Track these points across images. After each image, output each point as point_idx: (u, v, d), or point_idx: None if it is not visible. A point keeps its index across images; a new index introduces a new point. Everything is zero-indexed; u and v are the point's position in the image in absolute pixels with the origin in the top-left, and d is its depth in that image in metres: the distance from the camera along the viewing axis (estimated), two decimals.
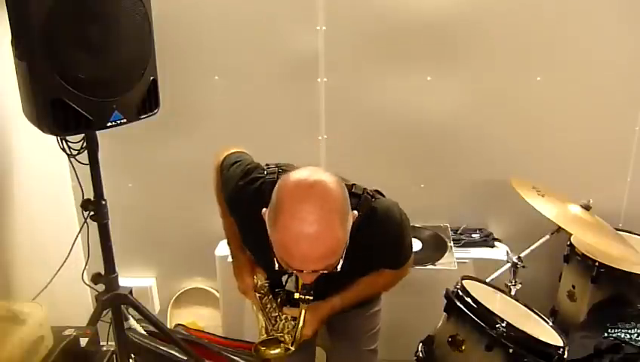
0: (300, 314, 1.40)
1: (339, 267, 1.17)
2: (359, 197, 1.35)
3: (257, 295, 1.56)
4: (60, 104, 1.54)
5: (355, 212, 1.21)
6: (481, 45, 2.28)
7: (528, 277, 2.14)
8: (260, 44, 2.31)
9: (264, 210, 1.18)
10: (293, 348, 1.46)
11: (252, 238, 1.51)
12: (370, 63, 2.33)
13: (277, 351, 1.47)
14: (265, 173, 1.40)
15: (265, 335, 1.53)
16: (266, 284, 1.57)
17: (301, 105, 2.39)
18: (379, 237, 1.38)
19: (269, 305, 1.56)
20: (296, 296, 1.31)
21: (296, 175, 1.15)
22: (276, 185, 1.16)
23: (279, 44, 2.30)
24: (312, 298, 1.30)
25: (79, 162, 1.84)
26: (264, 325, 1.57)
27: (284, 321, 1.53)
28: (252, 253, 1.63)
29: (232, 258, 1.68)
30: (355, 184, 1.39)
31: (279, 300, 1.54)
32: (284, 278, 1.54)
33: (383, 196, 1.49)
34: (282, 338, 1.49)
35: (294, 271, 1.20)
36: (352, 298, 1.54)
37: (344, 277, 1.38)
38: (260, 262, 1.62)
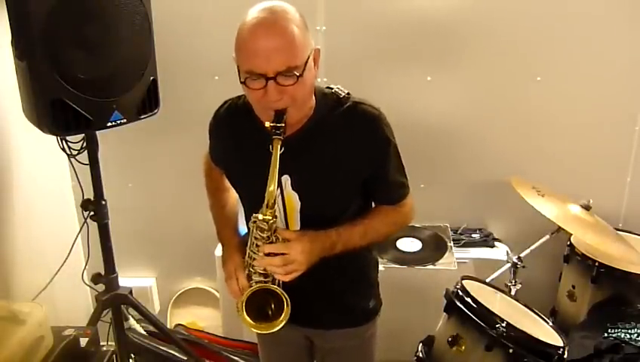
0: (275, 151, 1.21)
1: (302, 76, 1.19)
2: (331, 90, 1.38)
3: (246, 266, 1.38)
4: (60, 104, 1.54)
5: (319, 48, 1.28)
6: (481, 45, 2.28)
7: (528, 277, 2.14)
8: None
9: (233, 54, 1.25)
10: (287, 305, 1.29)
11: (237, 154, 1.43)
12: (370, 63, 2.33)
13: (283, 319, 1.30)
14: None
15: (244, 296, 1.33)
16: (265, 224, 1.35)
17: None
18: (354, 125, 1.32)
19: (256, 272, 1.36)
20: (267, 125, 1.21)
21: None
22: None
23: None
24: (283, 125, 1.20)
25: (79, 162, 1.84)
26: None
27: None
28: (240, 177, 1.48)
29: (222, 244, 1.54)
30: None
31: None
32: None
33: None
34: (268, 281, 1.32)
35: (261, 103, 1.22)
36: (347, 230, 1.36)
37: (330, 199, 1.36)
38: (248, 185, 1.45)
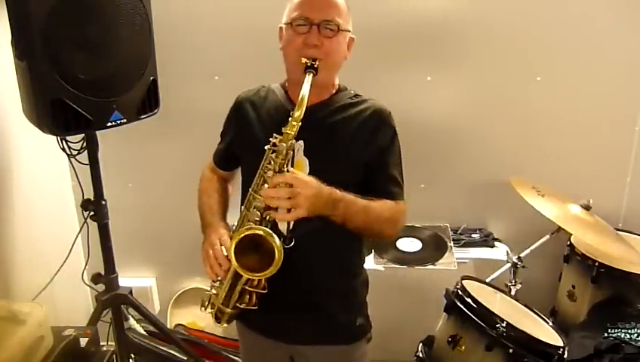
0: (306, 83, 1.32)
1: (342, 33, 1.40)
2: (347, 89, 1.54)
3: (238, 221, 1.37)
4: (60, 104, 1.54)
5: (355, 37, 1.48)
6: (481, 45, 2.28)
7: (528, 277, 2.14)
8: (259, 45, 2.30)
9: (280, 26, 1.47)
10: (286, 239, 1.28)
11: (261, 135, 1.42)
12: (370, 63, 2.32)
13: (278, 262, 1.22)
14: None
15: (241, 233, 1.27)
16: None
17: None
18: (369, 115, 1.46)
19: (252, 214, 1.33)
20: (303, 60, 1.35)
21: None
22: None
23: (279, 44, 2.29)
24: (316, 64, 1.35)
25: (79, 162, 1.84)
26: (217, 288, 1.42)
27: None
28: (254, 157, 1.39)
29: (207, 225, 1.54)
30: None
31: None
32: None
33: None
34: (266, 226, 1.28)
35: (297, 44, 1.38)
36: (352, 199, 1.34)
37: (336, 175, 1.36)
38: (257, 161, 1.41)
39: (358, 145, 1.43)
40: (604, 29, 2.21)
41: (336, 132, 1.44)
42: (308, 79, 1.34)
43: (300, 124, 1.28)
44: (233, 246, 1.28)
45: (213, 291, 1.47)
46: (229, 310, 1.42)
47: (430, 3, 2.25)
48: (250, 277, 1.32)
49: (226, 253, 1.38)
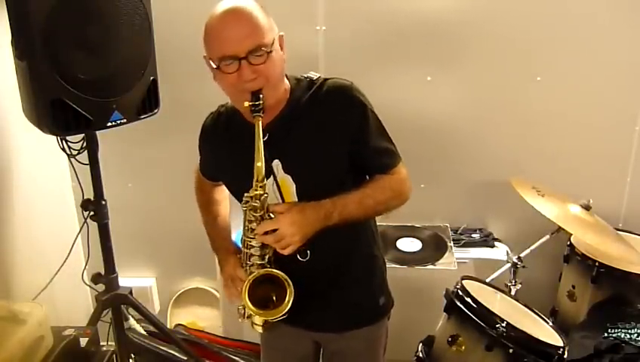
0: (257, 129, 1.25)
1: (272, 52, 1.28)
2: (301, 74, 1.44)
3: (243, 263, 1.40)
4: (60, 104, 1.54)
5: (283, 33, 1.35)
6: (481, 45, 2.28)
7: (528, 277, 2.14)
8: None
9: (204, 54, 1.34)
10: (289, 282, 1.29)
11: (229, 157, 1.46)
12: (370, 63, 2.33)
13: (289, 304, 1.28)
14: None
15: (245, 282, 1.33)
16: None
17: None
18: (331, 100, 1.37)
19: (254, 263, 1.38)
20: (246, 104, 1.26)
21: None
22: None
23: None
24: (261, 103, 1.26)
25: (79, 162, 1.84)
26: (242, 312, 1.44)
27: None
28: (233, 177, 1.48)
29: (217, 253, 1.58)
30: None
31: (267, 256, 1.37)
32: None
33: None
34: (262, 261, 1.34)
35: (235, 83, 1.28)
36: (342, 200, 1.35)
37: (323, 177, 1.38)
38: (242, 184, 1.41)
39: (331, 140, 1.36)
40: (604, 29, 2.21)
41: (306, 137, 1.36)
42: (258, 125, 1.26)
43: (263, 169, 1.27)
44: (246, 292, 1.33)
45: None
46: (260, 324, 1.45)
47: (430, 3, 2.25)
48: (267, 318, 1.36)
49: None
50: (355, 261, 1.51)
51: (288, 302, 1.30)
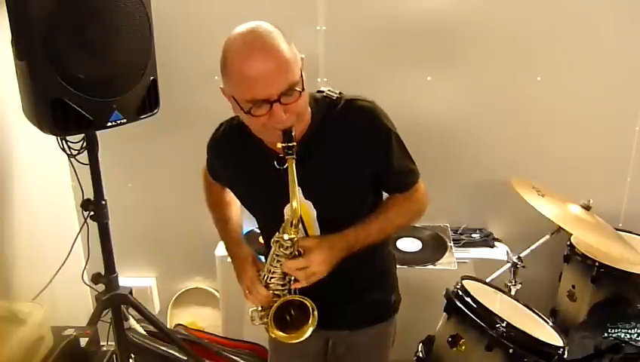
0: (291, 170, 1.22)
1: (304, 90, 1.20)
2: (321, 93, 1.37)
3: (263, 278, 1.40)
4: (60, 104, 1.54)
5: (304, 56, 1.25)
6: (481, 45, 2.28)
7: (528, 277, 2.14)
8: None
9: (221, 85, 1.23)
10: (311, 308, 1.31)
11: (241, 176, 1.44)
12: (370, 63, 2.33)
13: (309, 331, 1.32)
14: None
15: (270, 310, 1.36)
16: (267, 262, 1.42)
17: None
18: (353, 123, 1.32)
19: (274, 284, 1.39)
20: (279, 146, 1.21)
21: (232, 32, 1.22)
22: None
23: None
24: (294, 144, 1.21)
25: (79, 162, 1.84)
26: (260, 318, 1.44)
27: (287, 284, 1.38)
28: (247, 196, 1.50)
29: (232, 257, 1.56)
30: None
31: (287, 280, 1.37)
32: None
33: None
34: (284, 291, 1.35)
35: (267, 126, 1.21)
36: (364, 228, 1.37)
37: (343, 201, 1.38)
38: (257, 202, 1.49)
39: (354, 166, 1.34)
40: (605, 28, 2.21)
41: (327, 163, 1.33)
42: (292, 167, 1.20)
43: (299, 212, 1.24)
44: (272, 320, 1.35)
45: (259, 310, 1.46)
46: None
47: (430, 3, 2.25)
48: (288, 341, 1.37)
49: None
50: (375, 261, 1.54)
51: (309, 326, 1.32)
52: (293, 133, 1.21)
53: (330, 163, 1.33)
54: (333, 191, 1.35)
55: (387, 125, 1.35)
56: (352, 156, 1.33)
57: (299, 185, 1.26)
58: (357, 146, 1.32)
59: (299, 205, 1.24)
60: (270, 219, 1.39)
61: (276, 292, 1.37)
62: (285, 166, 1.23)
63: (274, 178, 1.28)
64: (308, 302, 1.32)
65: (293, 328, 1.36)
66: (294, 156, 1.21)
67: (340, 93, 1.37)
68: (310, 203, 1.36)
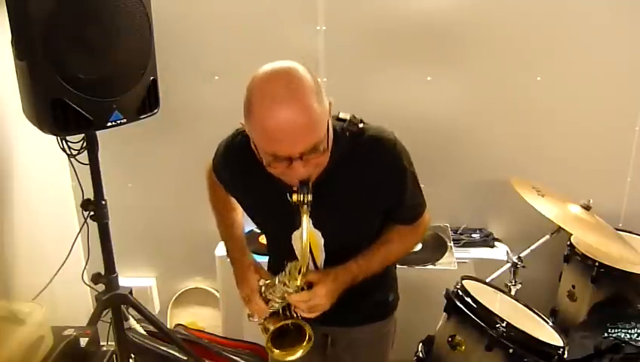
0: (303, 221, 1.20)
1: (327, 151, 1.16)
2: (344, 121, 1.31)
3: (262, 288, 1.44)
4: (60, 104, 1.54)
5: (332, 99, 1.19)
6: (481, 45, 2.28)
7: (528, 277, 2.14)
8: (260, 44, 2.31)
9: (242, 121, 1.17)
10: (308, 333, 1.35)
11: (249, 195, 1.43)
12: (370, 63, 2.33)
13: (299, 352, 1.35)
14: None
15: (271, 327, 1.41)
16: (269, 282, 1.45)
17: None
18: (372, 160, 1.30)
19: (273, 299, 1.43)
20: (294, 198, 1.18)
21: (261, 70, 1.14)
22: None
23: (279, 44, 2.30)
24: (310, 198, 1.18)
25: (79, 162, 1.84)
26: (266, 326, 1.47)
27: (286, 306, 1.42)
28: (256, 215, 1.50)
29: (234, 263, 1.56)
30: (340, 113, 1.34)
31: (285, 307, 1.42)
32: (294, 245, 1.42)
33: None
34: (287, 317, 1.39)
35: (285, 175, 1.18)
36: (366, 260, 1.39)
37: (352, 228, 1.39)
38: (265, 223, 1.51)
39: (366, 201, 1.33)
40: (605, 28, 2.21)
41: (342, 196, 1.31)
42: (305, 219, 1.18)
43: (309, 266, 1.27)
44: (269, 339, 1.38)
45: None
46: None
47: (430, 3, 2.24)
48: (280, 358, 1.39)
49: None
50: None
51: (301, 349, 1.35)
52: (310, 184, 1.18)
53: (343, 197, 1.31)
54: (343, 222, 1.37)
55: (405, 165, 1.33)
56: (366, 192, 1.32)
57: (309, 215, 1.24)
58: (373, 183, 1.31)
59: (308, 261, 1.25)
60: (277, 239, 1.43)
61: (274, 306, 1.40)
62: (295, 203, 1.19)
63: (285, 206, 1.25)
64: (307, 329, 1.36)
65: (289, 339, 1.38)
66: (309, 209, 1.19)
67: (362, 122, 1.32)
68: (319, 231, 1.37)
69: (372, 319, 1.60)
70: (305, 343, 1.35)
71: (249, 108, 1.13)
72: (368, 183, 1.31)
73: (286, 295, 1.34)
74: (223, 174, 1.48)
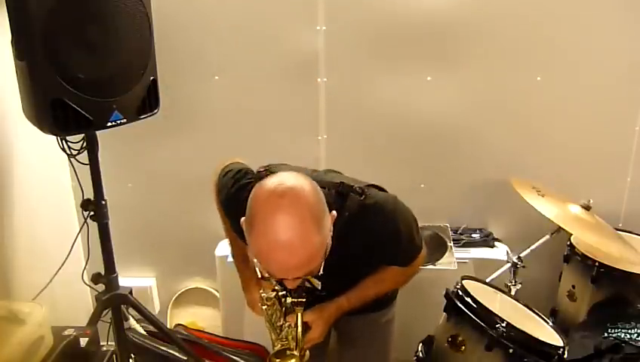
0: (297, 317, 1.33)
1: (320, 270, 1.20)
2: (345, 197, 1.35)
3: (264, 307, 1.47)
4: (60, 104, 1.54)
5: (334, 212, 1.22)
6: (481, 45, 2.28)
7: (528, 277, 2.14)
8: (259, 44, 2.31)
9: (242, 219, 1.19)
10: (305, 356, 1.41)
11: None
12: (370, 63, 2.33)
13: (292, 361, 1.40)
14: (254, 178, 1.42)
15: (279, 346, 1.45)
16: (273, 296, 1.46)
17: (301, 105, 2.39)
18: (373, 233, 1.35)
19: (274, 316, 1.51)
20: (289, 300, 1.28)
21: (267, 184, 1.15)
22: (250, 195, 1.17)
23: (279, 44, 2.30)
24: (304, 300, 1.27)
25: (79, 162, 1.84)
26: (271, 337, 1.54)
27: (287, 329, 1.50)
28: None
29: (238, 272, 1.65)
30: (342, 182, 1.37)
31: (284, 309, 1.45)
32: None
33: (382, 190, 1.45)
34: (288, 345, 1.43)
35: (277, 280, 1.23)
36: (358, 296, 1.49)
37: (347, 275, 1.45)
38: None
39: (364, 258, 1.40)
40: (605, 28, 2.21)
41: (339, 257, 1.29)
42: (298, 316, 1.30)
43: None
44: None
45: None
46: None
47: (430, 3, 2.24)
48: None
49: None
50: None
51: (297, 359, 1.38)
52: (304, 288, 1.24)
53: (341, 256, 1.31)
54: (339, 276, 1.37)
55: (400, 229, 1.38)
56: (364, 251, 1.38)
57: None
58: (369, 247, 1.37)
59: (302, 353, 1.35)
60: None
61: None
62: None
63: None
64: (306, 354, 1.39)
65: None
66: (302, 307, 1.28)
67: (364, 192, 1.35)
68: (315, 278, 1.39)
69: (369, 309, 1.62)
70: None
71: (251, 228, 1.15)
72: (364, 249, 1.37)
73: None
74: (227, 214, 1.55)
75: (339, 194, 1.34)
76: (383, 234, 1.36)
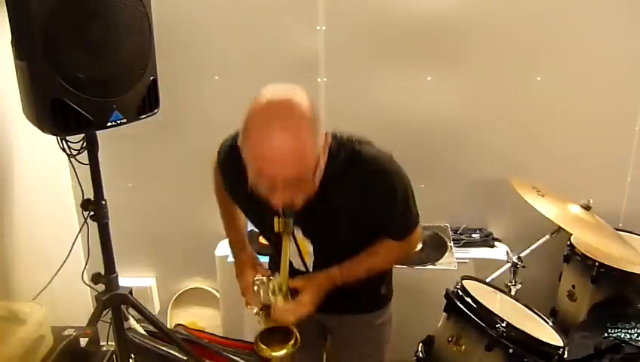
0: (285, 246, 1.27)
1: (313, 183, 1.20)
2: (342, 143, 1.34)
3: (255, 288, 1.45)
4: (60, 104, 1.54)
5: (329, 131, 1.25)
6: (481, 45, 2.28)
7: (528, 277, 2.14)
8: (259, 44, 2.31)
9: (240, 139, 1.21)
10: (298, 339, 1.35)
11: (244, 197, 1.44)
12: (370, 63, 2.33)
13: (282, 351, 1.35)
14: None
15: (263, 325, 1.40)
16: (265, 279, 1.46)
17: None
18: (367, 184, 1.33)
19: (264, 297, 1.43)
20: (275, 224, 1.23)
21: (265, 94, 1.19)
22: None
23: (279, 44, 2.30)
24: (292, 223, 1.24)
25: (79, 162, 1.84)
26: (260, 318, 1.51)
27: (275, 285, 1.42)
28: (248, 218, 1.60)
29: (234, 257, 1.62)
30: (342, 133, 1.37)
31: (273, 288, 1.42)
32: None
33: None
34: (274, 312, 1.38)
35: (269, 198, 1.21)
36: (350, 269, 1.44)
37: (339, 242, 1.44)
38: (257, 225, 1.58)
39: (357, 216, 1.36)
40: (605, 28, 2.21)
41: (331, 209, 1.33)
42: (285, 245, 1.27)
43: (287, 287, 1.32)
44: (259, 339, 1.36)
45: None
46: None
47: (430, 3, 2.24)
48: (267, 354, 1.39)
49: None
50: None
51: (284, 349, 1.33)
52: (293, 211, 1.22)
53: (333, 212, 1.34)
54: (331, 235, 1.40)
55: (396, 186, 1.36)
56: (355, 209, 1.35)
57: (300, 223, 1.33)
58: (362, 202, 1.34)
59: (287, 284, 1.31)
60: (269, 241, 1.51)
61: (268, 301, 1.41)
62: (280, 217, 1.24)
63: (273, 212, 1.27)
64: (295, 334, 1.34)
65: (279, 337, 1.37)
66: (290, 235, 1.26)
67: (359, 143, 1.36)
68: (308, 240, 1.42)
69: (363, 309, 1.62)
70: (290, 345, 1.34)
71: (246, 132, 1.17)
72: (358, 201, 1.34)
73: (272, 304, 1.36)
74: (222, 171, 1.52)
75: (335, 138, 1.34)
76: (377, 187, 1.34)
